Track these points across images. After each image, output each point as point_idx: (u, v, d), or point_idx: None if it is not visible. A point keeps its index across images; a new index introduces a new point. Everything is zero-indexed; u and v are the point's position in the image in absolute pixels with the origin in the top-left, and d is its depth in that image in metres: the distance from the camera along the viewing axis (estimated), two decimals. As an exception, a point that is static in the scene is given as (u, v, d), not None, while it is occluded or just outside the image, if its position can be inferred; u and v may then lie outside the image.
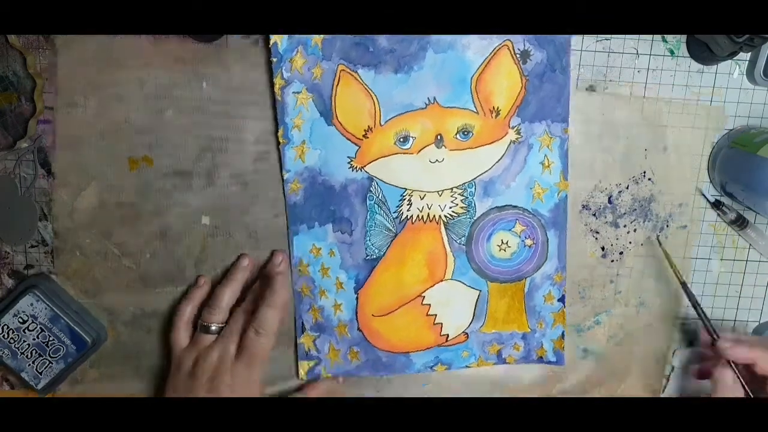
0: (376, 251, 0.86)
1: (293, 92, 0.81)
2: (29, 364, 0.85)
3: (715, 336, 0.82)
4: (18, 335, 0.83)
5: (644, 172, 0.89)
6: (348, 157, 0.83)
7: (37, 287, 0.83)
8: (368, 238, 0.85)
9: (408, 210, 0.85)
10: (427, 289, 0.87)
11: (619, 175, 0.89)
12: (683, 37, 0.86)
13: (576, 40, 0.86)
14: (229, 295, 0.85)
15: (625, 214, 0.90)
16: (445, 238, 0.86)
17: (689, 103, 0.88)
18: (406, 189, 0.85)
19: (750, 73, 0.87)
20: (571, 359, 0.93)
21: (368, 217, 0.85)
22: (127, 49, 0.81)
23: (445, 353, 0.89)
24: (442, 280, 0.87)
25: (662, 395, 0.97)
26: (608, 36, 0.85)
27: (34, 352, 0.84)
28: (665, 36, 0.86)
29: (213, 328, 0.83)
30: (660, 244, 0.89)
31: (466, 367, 0.90)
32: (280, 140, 0.82)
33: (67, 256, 0.86)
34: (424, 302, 0.87)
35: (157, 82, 0.82)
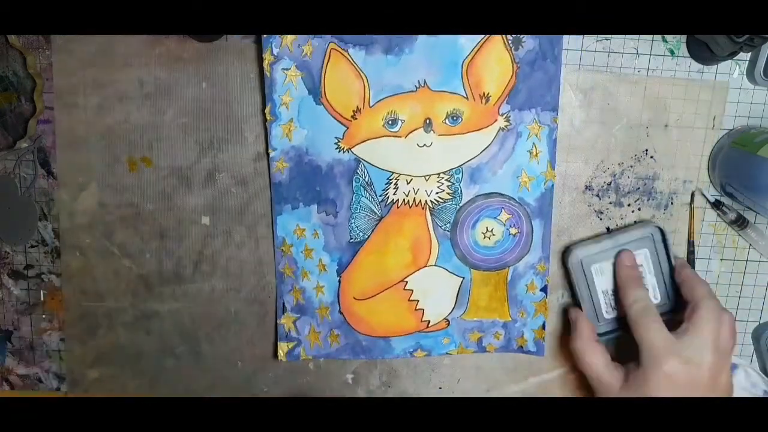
0: (361, 234, 0.87)
1: (282, 69, 0.82)
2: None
3: None
4: None
5: (646, 150, 0.88)
6: (335, 137, 0.84)
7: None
8: (353, 221, 0.87)
9: (394, 194, 0.86)
10: (410, 274, 0.89)
11: (621, 154, 0.88)
12: (683, 37, 0.86)
13: (576, 40, 0.85)
14: None
15: (628, 193, 0.90)
16: (430, 224, 0.87)
17: (692, 82, 0.87)
18: (392, 172, 0.86)
19: (750, 73, 0.86)
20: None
21: (353, 199, 0.86)
22: (127, 49, 0.83)
23: (426, 339, 0.91)
24: (425, 266, 0.88)
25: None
26: (608, 36, 0.85)
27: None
28: (665, 36, 0.85)
29: None
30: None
31: (446, 354, 0.91)
32: (268, 117, 0.84)
33: (67, 256, 0.88)
34: (407, 287, 0.89)
35: (157, 82, 0.84)
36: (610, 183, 0.89)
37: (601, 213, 0.90)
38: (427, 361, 0.93)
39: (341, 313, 0.89)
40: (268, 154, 0.84)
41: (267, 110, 0.83)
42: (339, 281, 0.88)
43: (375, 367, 0.93)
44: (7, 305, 0.90)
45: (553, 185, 0.86)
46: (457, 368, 0.94)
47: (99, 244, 0.88)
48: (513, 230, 0.87)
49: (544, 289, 0.89)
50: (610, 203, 0.89)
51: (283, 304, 0.89)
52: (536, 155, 0.85)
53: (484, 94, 0.83)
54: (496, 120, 0.84)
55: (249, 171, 0.86)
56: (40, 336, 0.91)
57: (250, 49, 0.83)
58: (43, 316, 0.90)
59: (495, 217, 0.86)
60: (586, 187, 0.89)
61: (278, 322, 0.89)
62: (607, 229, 0.90)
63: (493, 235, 0.87)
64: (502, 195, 0.86)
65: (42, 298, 0.90)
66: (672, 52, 0.86)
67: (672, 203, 0.90)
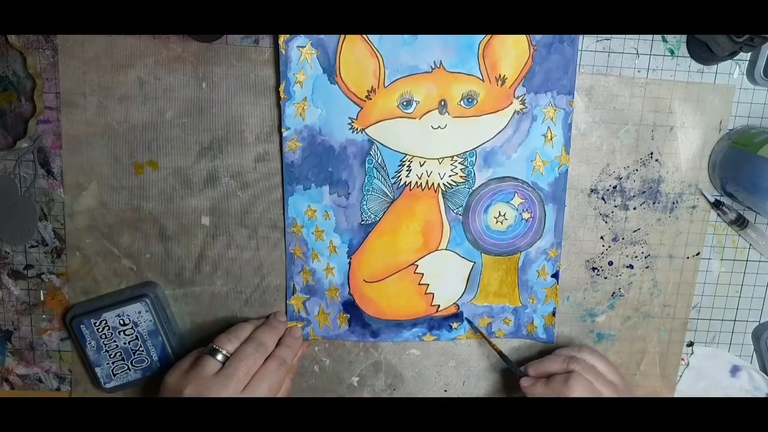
0: (372, 216, 0.89)
1: (297, 46, 0.83)
2: (108, 363, 0.89)
3: (518, 374, 0.87)
4: (112, 334, 0.88)
5: (651, 153, 0.91)
6: (349, 117, 0.85)
7: (150, 298, 0.87)
8: (365, 203, 0.88)
9: (407, 176, 0.87)
10: (421, 257, 0.91)
11: (627, 158, 0.92)
12: (683, 37, 0.89)
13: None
14: (250, 332, 0.85)
15: (634, 196, 0.93)
16: (443, 207, 0.89)
17: (695, 85, 0.89)
18: (406, 154, 0.87)
19: (750, 73, 0.90)
20: (586, 345, 0.96)
21: (366, 181, 0.88)
22: (127, 49, 0.84)
23: (435, 323, 0.94)
24: (436, 250, 0.91)
25: (679, 379, 1.00)
26: (608, 36, 0.87)
27: (118, 354, 0.89)
28: (665, 36, 0.88)
29: (219, 357, 0.79)
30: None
31: (455, 339, 0.94)
32: (282, 95, 0.84)
33: (67, 256, 0.91)
34: (417, 271, 0.91)
35: (157, 82, 0.85)
36: (616, 186, 0.93)
37: (606, 216, 0.93)
38: (432, 363, 0.96)
39: (351, 294, 0.91)
40: (280, 134, 0.85)
41: (281, 88, 0.84)
42: (349, 263, 0.90)
43: (380, 370, 0.95)
44: (7, 305, 0.90)
45: (567, 170, 0.89)
46: (462, 370, 0.98)
47: (99, 244, 0.89)
48: (526, 215, 0.89)
49: (555, 275, 0.93)
50: (616, 206, 0.93)
51: (293, 285, 0.90)
52: (551, 139, 0.87)
53: (500, 76, 0.85)
54: (511, 103, 0.86)
55: (249, 171, 0.87)
56: (40, 336, 0.91)
57: (250, 49, 0.84)
58: (43, 316, 0.90)
59: (508, 202, 0.89)
60: (592, 191, 0.93)
61: (288, 302, 0.91)
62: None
63: (506, 219, 0.89)
64: (515, 179, 0.88)
65: (42, 298, 0.90)
66: (672, 52, 0.88)
67: (677, 206, 0.94)
